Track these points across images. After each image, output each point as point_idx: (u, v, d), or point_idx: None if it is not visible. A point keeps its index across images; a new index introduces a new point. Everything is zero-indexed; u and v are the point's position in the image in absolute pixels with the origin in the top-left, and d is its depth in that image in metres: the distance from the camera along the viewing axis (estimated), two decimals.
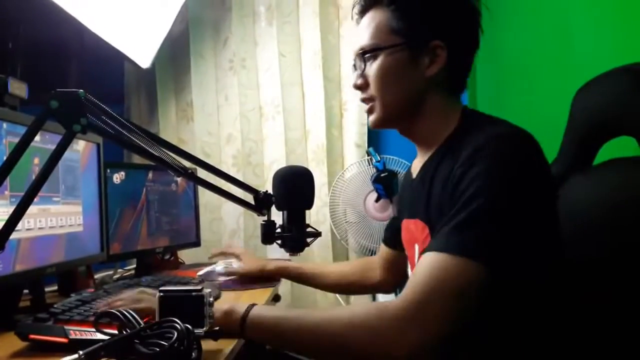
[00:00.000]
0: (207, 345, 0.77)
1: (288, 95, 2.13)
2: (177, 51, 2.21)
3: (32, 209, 0.99)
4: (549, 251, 0.79)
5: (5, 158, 0.72)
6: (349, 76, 2.16)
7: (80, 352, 0.63)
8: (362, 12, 0.94)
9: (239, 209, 2.05)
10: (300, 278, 1.34)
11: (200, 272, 1.43)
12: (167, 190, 1.68)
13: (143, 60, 1.88)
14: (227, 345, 0.81)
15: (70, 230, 1.18)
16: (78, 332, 0.79)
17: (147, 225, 1.57)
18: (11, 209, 0.71)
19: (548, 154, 0.83)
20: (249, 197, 1.00)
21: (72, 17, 1.39)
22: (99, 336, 0.78)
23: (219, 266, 1.46)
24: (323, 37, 2.11)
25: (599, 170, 0.98)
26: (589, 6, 1.35)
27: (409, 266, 1.01)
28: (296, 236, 0.96)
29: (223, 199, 1.04)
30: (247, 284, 1.32)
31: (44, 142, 1.08)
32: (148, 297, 0.89)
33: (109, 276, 1.59)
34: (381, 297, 1.82)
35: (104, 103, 0.76)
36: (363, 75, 0.92)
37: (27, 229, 1.02)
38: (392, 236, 1.18)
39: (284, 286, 2.04)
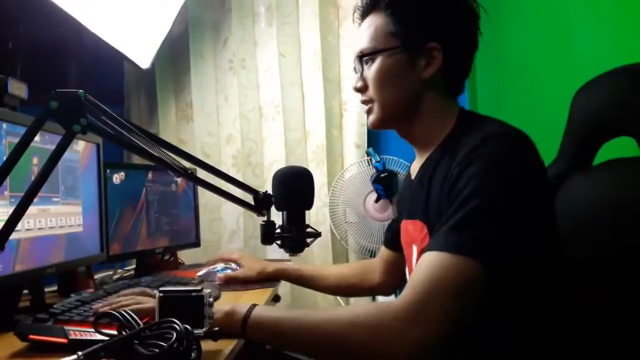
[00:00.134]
0: (207, 345, 0.77)
1: (288, 96, 2.13)
2: (176, 51, 2.21)
3: (32, 209, 0.99)
4: (546, 250, 0.79)
5: (5, 158, 0.72)
6: (349, 77, 2.16)
7: (80, 353, 0.63)
8: (362, 16, 0.96)
9: (239, 209, 2.05)
10: (300, 280, 1.34)
11: (200, 273, 1.43)
12: (166, 190, 1.68)
13: (143, 61, 1.88)
14: (227, 346, 0.81)
15: (70, 230, 1.18)
16: (78, 333, 0.79)
17: (146, 226, 1.57)
18: (11, 209, 0.71)
19: (548, 154, 0.83)
20: (248, 198, 1.00)
21: (71, 18, 1.39)
22: (99, 337, 0.78)
23: (219, 266, 1.46)
24: (323, 38, 2.11)
25: (598, 170, 0.98)
26: (589, 7, 1.35)
27: (407, 267, 1.01)
28: (296, 236, 0.96)
29: (223, 200, 1.03)
30: (246, 284, 1.32)
31: (44, 142, 1.08)
32: (148, 297, 0.89)
33: (108, 276, 1.59)
34: (381, 299, 1.82)
35: (104, 103, 0.76)
36: (362, 77, 0.95)
37: (27, 229, 1.02)
38: (392, 238, 1.18)
39: (284, 287, 2.04)
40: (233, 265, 1.44)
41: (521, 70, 1.69)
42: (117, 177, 1.47)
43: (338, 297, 2.01)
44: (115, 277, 1.60)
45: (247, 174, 2.13)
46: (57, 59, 1.81)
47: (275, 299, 1.48)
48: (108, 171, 1.42)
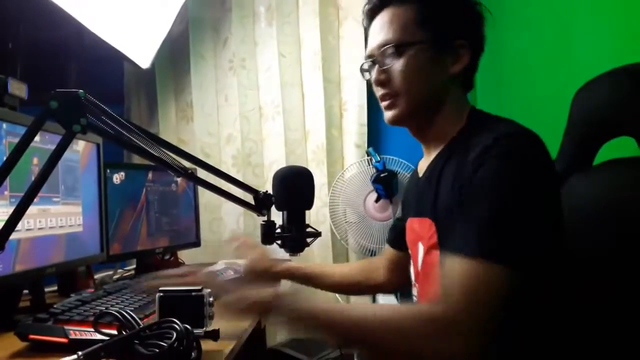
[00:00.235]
0: (207, 345, 0.77)
1: (288, 96, 2.13)
2: (177, 51, 2.21)
3: (32, 209, 0.99)
4: (558, 249, 0.79)
5: (5, 158, 0.72)
6: (349, 76, 2.16)
7: (80, 353, 0.63)
8: (379, 9, 0.94)
9: (239, 209, 2.05)
10: (305, 279, 1.33)
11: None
12: (167, 190, 1.68)
13: (143, 61, 1.88)
14: (227, 346, 0.81)
15: (70, 230, 1.18)
16: (78, 332, 0.79)
17: (147, 226, 1.57)
18: (11, 209, 0.71)
19: None
20: (248, 198, 1.00)
21: (72, 18, 1.39)
22: (99, 336, 0.78)
23: (219, 266, 1.46)
24: (323, 38, 2.11)
25: (598, 170, 0.98)
26: (590, 6, 1.35)
27: (412, 265, 1.00)
28: (296, 236, 0.96)
29: (223, 199, 1.03)
30: (247, 284, 1.32)
31: (44, 142, 1.08)
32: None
33: (108, 276, 1.59)
34: (381, 298, 1.82)
35: (104, 103, 0.76)
36: (385, 70, 0.92)
37: (27, 229, 1.02)
38: (397, 237, 1.17)
39: (284, 286, 2.04)
40: (234, 266, 1.44)
41: (521, 69, 1.69)
42: (117, 177, 1.47)
43: (337, 296, 2.01)
44: (116, 277, 1.60)
45: (247, 174, 2.13)
46: (57, 58, 1.81)
47: None
48: (108, 171, 1.42)
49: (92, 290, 1.10)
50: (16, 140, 0.75)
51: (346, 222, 2.01)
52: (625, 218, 0.89)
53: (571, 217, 0.90)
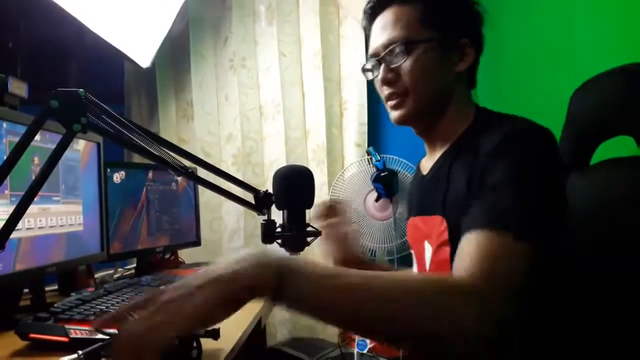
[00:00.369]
0: (207, 344, 0.77)
1: (288, 95, 2.13)
2: (177, 50, 2.21)
3: (33, 208, 1.00)
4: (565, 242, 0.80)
5: (5, 157, 0.72)
6: (349, 76, 2.16)
7: (80, 352, 0.63)
8: (381, 8, 0.94)
9: (239, 208, 2.05)
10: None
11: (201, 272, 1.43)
12: (167, 189, 1.68)
13: (143, 60, 1.88)
14: (227, 345, 0.81)
15: (70, 229, 1.18)
16: (78, 332, 0.79)
17: (147, 225, 1.57)
18: (11, 209, 0.71)
19: None
20: (249, 197, 1.00)
21: (72, 17, 1.39)
22: (100, 335, 0.78)
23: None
24: (323, 37, 2.11)
25: (595, 169, 0.98)
26: (590, 5, 1.35)
27: (415, 263, 1.00)
28: (296, 235, 0.96)
29: (223, 198, 1.03)
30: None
31: (44, 141, 1.08)
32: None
33: (109, 275, 1.59)
34: None
35: (104, 102, 0.76)
36: (393, 69, 0.91)
37: (28, 229, 1.02)
38: None
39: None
40: None
41: (521, 68, 1.69)
42: (118, 176, 1.47)
43: None
44: (116, 276, 1.60)
45: (247, 172, 2.13)
46: (57, 58, 1.81)
47: None
48: (108, 170, 1.42)
49: (93, 289, 1.10)
50: (16, 139, 0.75)
51: None
52: (621, 217, 0.89)
53: (568, 216, 0.91)
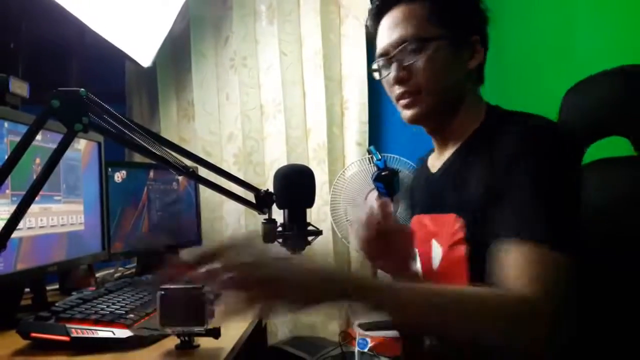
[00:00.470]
0: (208, 343, 0.77)
1: (289, 94, 2.13)
2: (178, 50, 2.21)
3: (34, 207, 1.00)
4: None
5: (6, 157, 0.72)
6: (350, 75, 2.16)
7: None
8: (389, 7, 0.92)
9: (240, 207, 2.05)
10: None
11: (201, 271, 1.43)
12: (168, 189, 1.68)
13: (144, 59, 1.88)
14: (228, 344, 0.81)
15: (71, 229, 1.18)
16: (80, 331, 0.79)
17: (148, 224, 1.57)
18: (12, 208, 0.71)
19: None
20: (250, 196, 1.00)
21: (73, 17, 1.39)
22: (101, 334, 0.79)
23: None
24: (324, 36, 2.11)
25: (587, 169, 0.99)
26: (591, 4, 1.35)
27: (419, 262, 0.98)
28: (297, 235, 0.96)
29: (224, 198, 1.04)
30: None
31: (46, 141, 1.08)
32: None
33: (110, 274, 1.59)
34: None
35: (105, 102, 0.76)
36: (405, 67, 0.89)
37: (29, 228, 1.02)
38: None
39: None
40: None
41: (522, 67, 1.69)
42: (119, 176, 1.47)
43: None
44: (117, 275, 1.60)
45: (248, 172, 2.13)
46: (58, 57, 1.81)
47: None
48: (109, 170, 1.42)
49: (94, 288, 1.10)
50: (18, 139, 0.75)
51: (347, 220, 2.01)
52: (613, 217, 0.90)
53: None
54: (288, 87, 2.12)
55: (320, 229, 0.99)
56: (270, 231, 0.98)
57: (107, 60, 1.96)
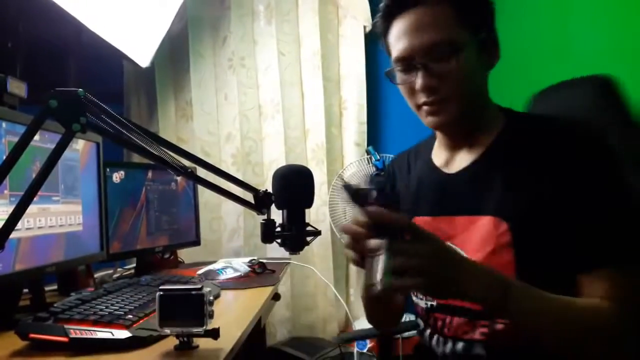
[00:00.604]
0: (207, 344, 0.77)
1: (287, 94, 2.13)
2: (176, 50, 2.21)
3: (32, 208, 0.99)
4: None
5: (4, 157, 0.72)
6: (349, 75, 2.17)
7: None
8: (403, 8, 0.85)
9: (239, 207, 2.05)
10: None
11: (200, 271, 1.43)
12: (166, 189, 1.68)
13: (142, 59, 1.88)
14: (227, 345, 0.81)
15: (70, 229, 1.18)
16: (78, 331, 0.79)
17: (146, 224, 1.57)
18: (11, 209, 0.71)
19: None
20: (248, 196, 1.00)
21: (71, 17, 1.39)
22: (100, 335, 0.78)
23: (219, 265, 1.46)
24: (322, 36, 2.11)
25: None
26: (588, 4, 1.35)
27: None
28: (296, 235, 0.95)
29: (223, 198, 1.04)
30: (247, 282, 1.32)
31: (44, 141, 1.08)
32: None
33: (108, 275, 1.59)
34: None
35: (104, 102, 0.76)
36: (434, 74, 0.84)
37: (27, 228, 1.02)
38: None
39: (284, 285, 2.04)
40: (234, 265, 1.45)
41: (520, 66, 1.69)
42: (117, 176, 1.47)
43: (336, 294, 2.01)
44: (115, 275, 1.60)
45: (247, 172, 2.13)
46: (56, 57, 1.81)
47: (275, 297, 1.48)
48: (108, 170, 1.42)
49: (92, 289, 1.10)
50: (16, 139, 0.75)
51: (346, 220, 2.01)
52: None
53: None
54: (286, 87, 2.12)
55: (319, 229, 0.99)
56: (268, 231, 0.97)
57: (105, 60, 1.96)
